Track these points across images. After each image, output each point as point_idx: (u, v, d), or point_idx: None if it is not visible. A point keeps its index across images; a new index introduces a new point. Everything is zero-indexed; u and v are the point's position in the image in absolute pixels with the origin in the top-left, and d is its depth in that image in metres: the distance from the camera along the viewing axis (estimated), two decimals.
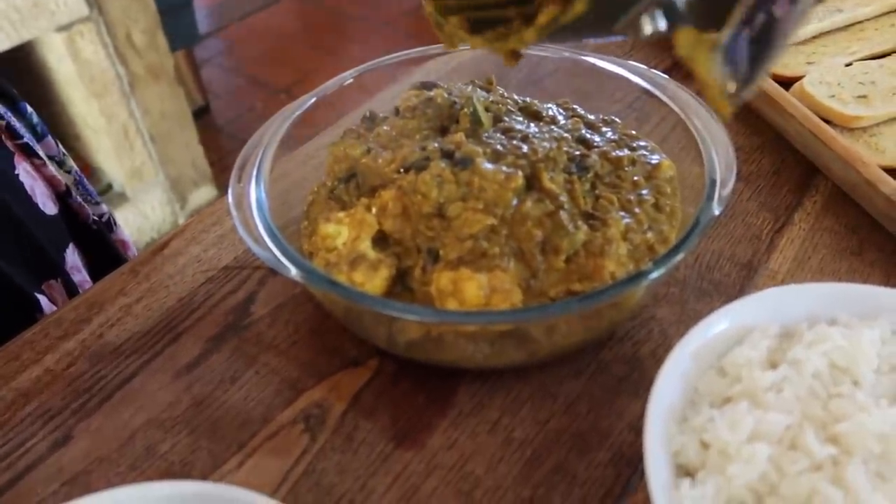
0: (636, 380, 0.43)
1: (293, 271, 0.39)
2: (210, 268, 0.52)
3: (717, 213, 0.41)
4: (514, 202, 0.41)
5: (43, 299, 0.60)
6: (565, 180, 0.44)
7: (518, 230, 0.41)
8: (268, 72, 2.43)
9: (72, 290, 0.65)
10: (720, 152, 0.46)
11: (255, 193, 0.44)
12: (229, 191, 0.44)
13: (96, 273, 0.70)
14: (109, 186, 1.83)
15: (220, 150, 2.11)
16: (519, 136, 0.47)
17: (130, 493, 0.34)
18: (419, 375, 0.44)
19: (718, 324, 0.38)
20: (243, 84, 2.40)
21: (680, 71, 0.68)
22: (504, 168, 0.41)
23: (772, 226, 0.53)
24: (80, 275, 0.68)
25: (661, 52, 0.70)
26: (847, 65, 0.59)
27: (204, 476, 0.40)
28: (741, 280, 0.49)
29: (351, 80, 0.53)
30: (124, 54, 1.70)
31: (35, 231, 0.63)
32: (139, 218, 1.84)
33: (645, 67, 0.53)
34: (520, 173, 0.41)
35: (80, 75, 1.61)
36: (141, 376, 0.45)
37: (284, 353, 0.46)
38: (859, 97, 0.56)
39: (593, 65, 0.55)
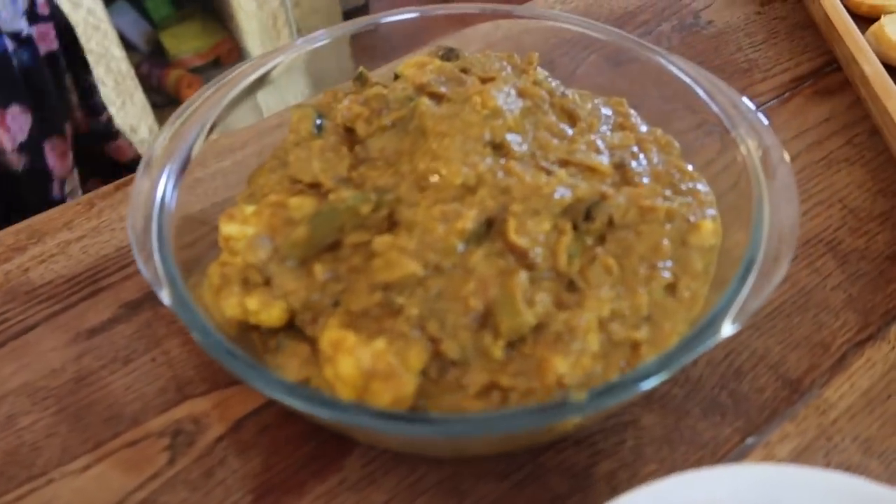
0: None
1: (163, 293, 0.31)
2: None
3: (724, 335, 0.29)
4: (461, 248, 0.31)
5: None
6: (553, 227, 0.33)
7: (454, 290, 0.31)
8: None
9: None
10: (775, 222, 0.33)
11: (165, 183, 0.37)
12: (139, 167, 0.36)
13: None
14: None
15: (375, 59, 2.06)
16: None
17: None
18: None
19: None
20: None
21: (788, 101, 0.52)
22: (443, 206, 0.31)
23: (853, 335, 0.40)
24: None
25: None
26: None
27: (45, 470, 0.35)
28: (776, 402, 0.37)
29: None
30: None
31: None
32: (279, 102, 1.84)
33: (736, 94, 0.40)
34: (471, 213, 0.31)
35: None
36: (42, 328, 0.41)
37: (190, 343, 0.40)
38: None
39: (680, 82, 0.42)
